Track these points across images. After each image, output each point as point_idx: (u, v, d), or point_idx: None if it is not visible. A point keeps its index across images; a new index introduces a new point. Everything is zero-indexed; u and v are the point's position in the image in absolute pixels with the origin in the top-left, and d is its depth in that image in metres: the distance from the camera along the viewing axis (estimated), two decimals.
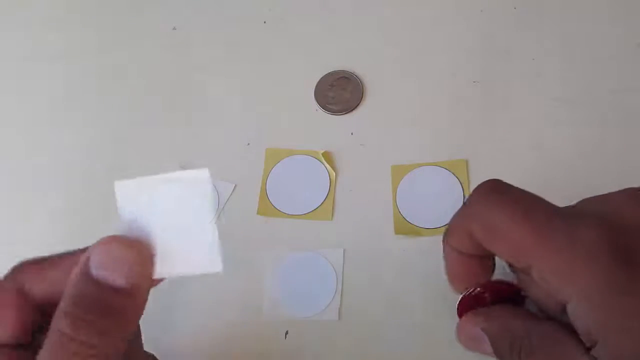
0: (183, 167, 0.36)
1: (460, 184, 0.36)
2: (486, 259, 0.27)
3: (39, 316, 0.24)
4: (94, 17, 0.46)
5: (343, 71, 0.41)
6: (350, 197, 0.37)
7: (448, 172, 0.36)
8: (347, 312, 0.34)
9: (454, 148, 0.37)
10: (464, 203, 0.27)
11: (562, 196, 0.25)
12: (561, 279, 0.23)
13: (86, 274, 0.22)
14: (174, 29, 0.44)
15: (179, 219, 0.23)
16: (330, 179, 0.37)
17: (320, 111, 0.40)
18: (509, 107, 0.38)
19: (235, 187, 0.38)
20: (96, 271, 0.22)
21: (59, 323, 0.21)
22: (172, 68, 0.43)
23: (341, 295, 0.34)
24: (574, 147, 0.36)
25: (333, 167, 0.38)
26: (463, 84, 0.39)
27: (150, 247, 0.22)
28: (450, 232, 0.27)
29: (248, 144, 0.39)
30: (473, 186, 0.36)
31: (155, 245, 0.22)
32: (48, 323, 0.22)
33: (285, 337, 0.33)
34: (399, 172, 0.37)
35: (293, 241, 0.36)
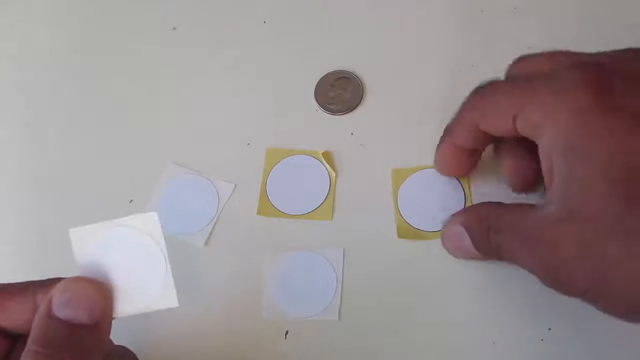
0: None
1: (461, 185, 0.36)
2: (476, 154, 0.34)
3: (6, 341, 0.25)
4: (94, 17, 0.46)
5: (343, 71, 0.41)
6: (350, 197, 0.37)
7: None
8: (347, 312, 0.34)
9: None
10: (464, 103, 0.32)
11: None
12: (542, 113, 0.27)
13: (50, 315, 0.23)
14: (174, 29, 0.44)
15: (133, 260, 0.25)
16: (330, 179, 0.37)
17: (320, 111, 0.40)
18: None
19: (235, 187, 0.38)
20: (60, 311, 0.23)
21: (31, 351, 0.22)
22: (171, 68, 0.43)
23: (341, 295, 0.34)
24: None
25: (333, 167, 0.38)
26: (463, 84, 0.39)
27: (108, 285, 0.24)
28: (454, 127, 0.32)
29: (248, 144, 0.39)
30: (474, 187, 0.36)
31: (112, 286, 0.25)
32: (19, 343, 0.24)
33: (285, 337, 0.33)
34: (399, 175, 0.37)
35: (293, 241, 0.36)
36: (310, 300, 0.34)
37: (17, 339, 0.25)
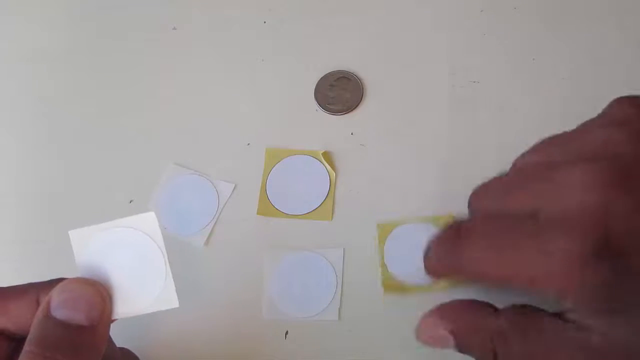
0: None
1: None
2: None
3: (7, 343, 0.25)
4: (94, 16, 0.46)
5: (343, 71, 0.41)
6: (350, 197, 0.37)
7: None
8: (347, 312, 0.34)
9: (454, 147, 0.37)
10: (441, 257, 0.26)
11: None
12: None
13: (48, 315, 0.23)
14: (174, 29, 0.44)
15: (132, 261, 0.25)
16: (330, 179, 0.37)
17: (320, 111, 0.40)
18: (509, 107, 0.38)
19: (235, 187, 0.38)
20: (58, 312, 0.23)
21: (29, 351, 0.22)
22: (171, 68, 0.43)
23: (341, 295, 0.34)
24: None
25: (333, 167, 0.38)
26: (463, 84, 0.39)
27: (108, 286, 0.24)
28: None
29: (248, 144, 0.39)
30: None
31: (112, 287, 0.25)
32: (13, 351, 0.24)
33: (285, 337, 0.33)
34: (384, 231, 0.35)
35: (293, 241, 0.36)
36: (310, 300, 0.34)
37: (20, 342, 0.25)
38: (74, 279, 0.24)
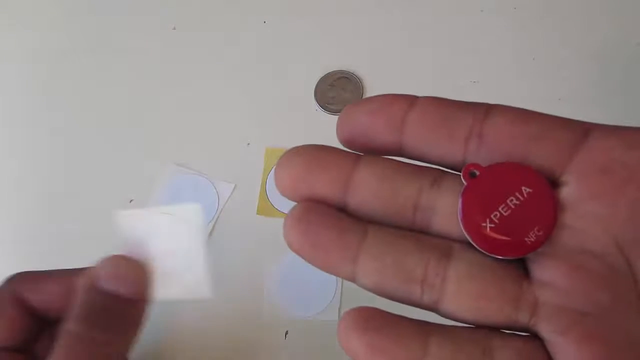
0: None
1: None
2: None
3: (34, 324, 0.25)
4: (94, 16, 0.46)
5: (343, 71, 0.41)
6: None
7: None
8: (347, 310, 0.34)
9: None
10: None
11: None
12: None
13: (94, 285, 0.24)
14: (174, 29, 0.44)
15: (173, 248, 0.25)
16: None
17: (320, 111, 0.40)
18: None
19: (235, 187, 0.38)
20: (104, 283, 0.24)
21: (72, 325, 0.23)
22: (171, 68, 0.43)
23: (341, 295, 0.34)
24: None
25: None
26: (463, 83, 0.39)
27: (151, 265, 0.25)
28: None
29: (248, 144, 0.39)
30: None
31: (154, 269, 0.25)
32: (43, 332, 0.25)
33: (285, 337, 0.33)
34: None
35: None
36: (310, 300, 0.34)
37: (45, 323, 0.26)
38: (119, 254, 0.24)
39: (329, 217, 0.17)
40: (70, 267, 0.26)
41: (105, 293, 0.23)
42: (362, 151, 0.18)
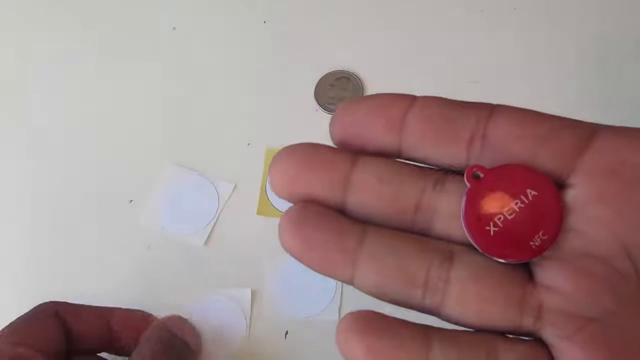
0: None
1: None
2: None
3: (67, 346, 0.28)
4: (94, 16, 0.46)
5: (343, 71, 0.41)
6: None
7: None
8: (347, 312, 0.34)
9: None
10: None
11: None
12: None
13: (165, 325, 0.30)
14: (174, 29, 0.44)
15: (220, 322, 0.33)
16: None
17: (320, 111, 0.40)
18: None
19: (235, 187, 0.38)
20: (172, 326, 0.30)
21: (142, 351, 0.28)
22: (172, 68, 0.43)
23: (341, 295, 0.34)
24: None
25: None
26: (463, 83, 0.39)
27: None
28: None
29: (248, 144, 0.39)
30: None
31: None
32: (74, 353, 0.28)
33: (285, 337, 0.33)
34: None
35: None
36: (310, 300, 0.34)
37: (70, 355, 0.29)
38: (177, 315, 0.31)
39: (326, 218, 0.17)
40: (105, 305, 0.30)
41: (172, 333, 0.29)
42: (358, 151, 0.18)
